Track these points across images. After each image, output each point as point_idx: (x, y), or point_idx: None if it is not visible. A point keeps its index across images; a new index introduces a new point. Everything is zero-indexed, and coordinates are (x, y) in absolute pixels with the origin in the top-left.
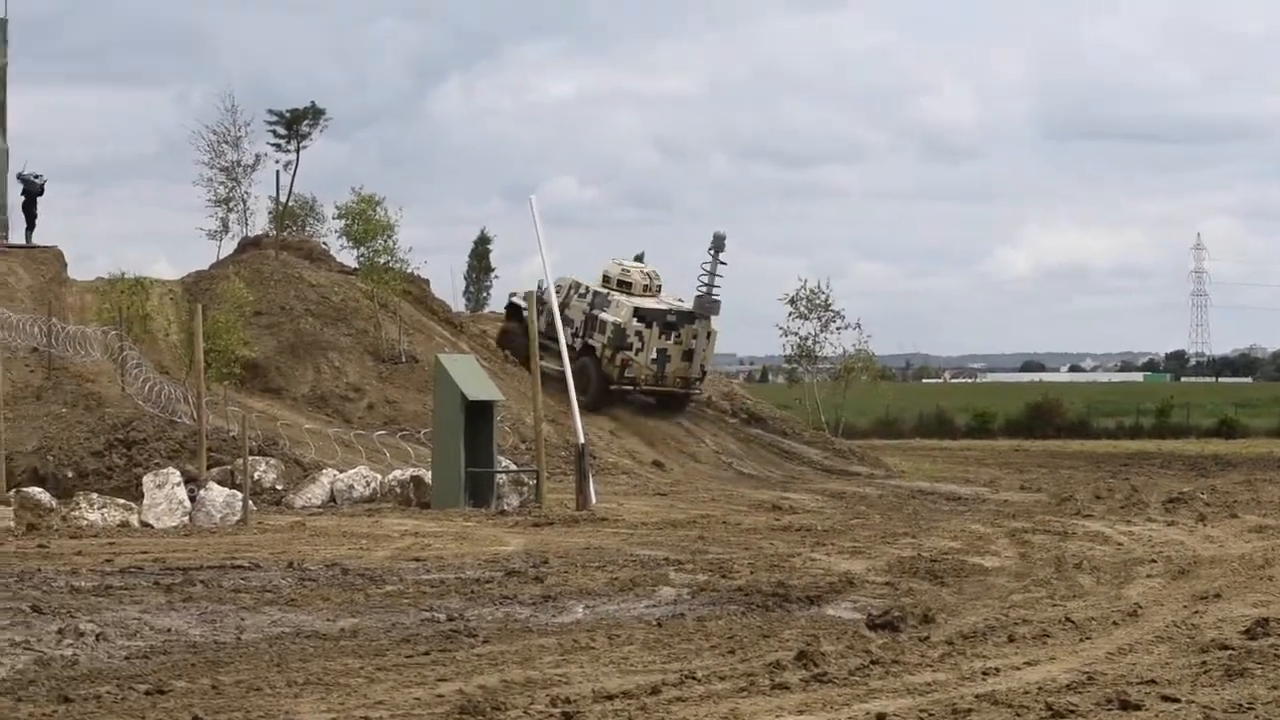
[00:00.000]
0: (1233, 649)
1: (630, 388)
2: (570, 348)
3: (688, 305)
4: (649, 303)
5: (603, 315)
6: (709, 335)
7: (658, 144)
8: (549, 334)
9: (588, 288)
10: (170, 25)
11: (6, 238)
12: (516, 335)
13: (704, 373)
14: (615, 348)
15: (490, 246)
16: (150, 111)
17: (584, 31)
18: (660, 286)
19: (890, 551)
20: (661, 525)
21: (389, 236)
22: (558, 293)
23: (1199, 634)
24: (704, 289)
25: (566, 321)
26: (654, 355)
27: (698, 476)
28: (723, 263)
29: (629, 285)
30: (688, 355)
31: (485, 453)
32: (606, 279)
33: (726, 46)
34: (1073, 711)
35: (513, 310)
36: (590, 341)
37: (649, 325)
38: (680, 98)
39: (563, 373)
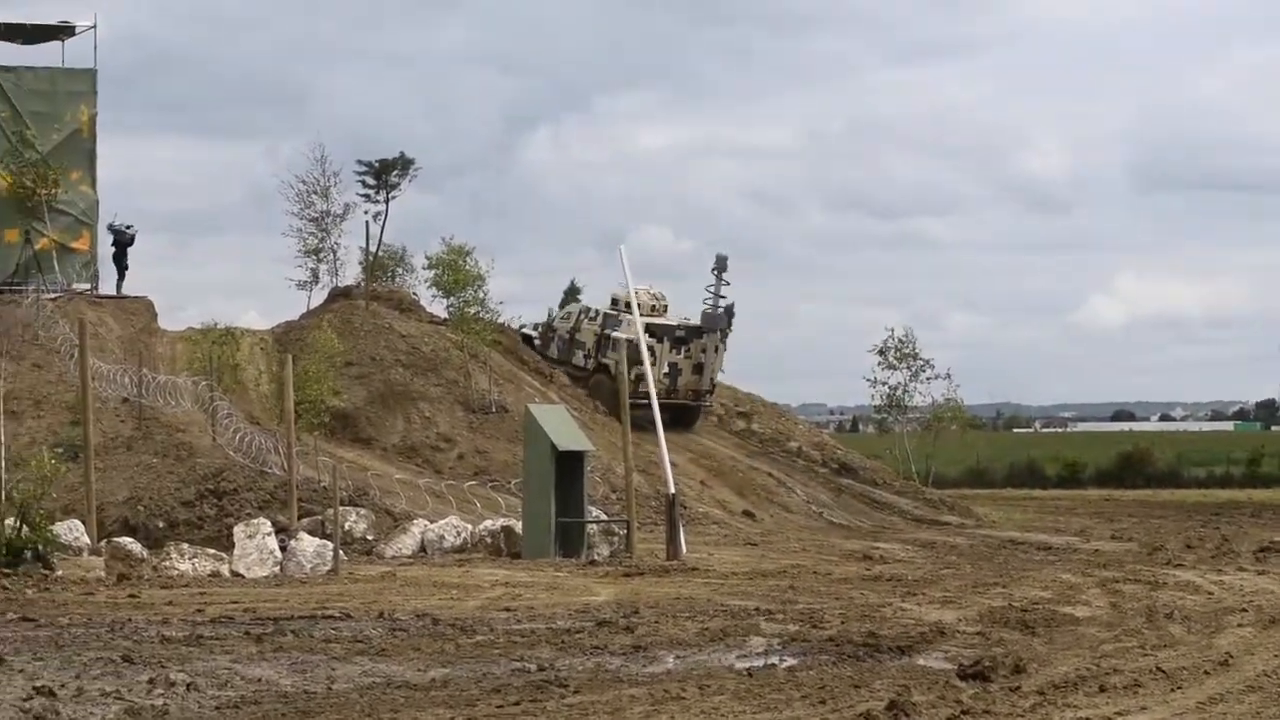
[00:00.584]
0: None
1: (645, 401)
2: (583, 368)
3: (695, 321)
4: (658, 320)
5: (615, 334)
6: (717, 349)
7: (752, 195)
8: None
9: (597, 310)
10: (261, 77)
11: (97, 288)
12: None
13: (714, 385)
14: (630, 363)
15: (580, 297)
16: (241, 162)
17: (678, 83)
18: (666, 307)
19: (981, 601)
20: (752, 575)
21: (479, 287)
22: (566, 319)
23: None
24: (710, 306)
25: (578, 345)
26: (666, 369)
27: (788, 526)
28: (726, 283)
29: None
30: (698, 369)
31: (576, 503)
32: (615, 302)
33: (822, 99)
34: None
35: (526, 340)
36: (604, 360)
37: (660, 341)
38: (775, 149)
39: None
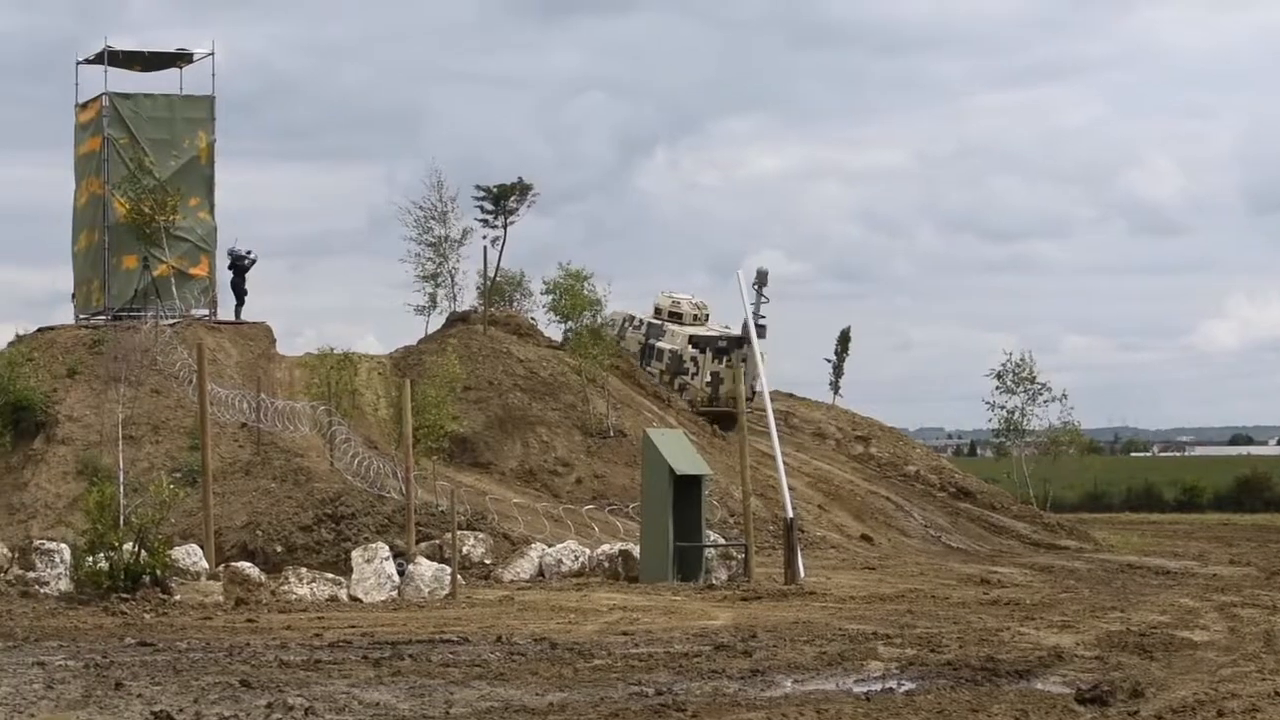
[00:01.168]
0: None
1: (687, 408)
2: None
3: (736, 331)
4: (701, 330)
5: (659, 344)
6: (761, 357)
7: (863, 217)
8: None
9: (642, 319)
10: (376, 102)
11: (215, 314)
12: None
13: (754, 393)
14: (673, 373)
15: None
16: (358, 188)
17: (791, 107)
18: (708, 316)
19: (1099, 625)
20: (870, 599)
21: (596, 311)
22: (611, 325)
23: None
24: (749, 318)
25: (621, 353)
26: (708, 378)
27: (906, 550)
28: (765, 299)
29: (679, 315)
30: (738, 378)
31: (693, 527)
32: (658, 311)
33: (931, 121)
34: None
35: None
36: (648, 369)
37: (703, 351)
38: (885, 171)
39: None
